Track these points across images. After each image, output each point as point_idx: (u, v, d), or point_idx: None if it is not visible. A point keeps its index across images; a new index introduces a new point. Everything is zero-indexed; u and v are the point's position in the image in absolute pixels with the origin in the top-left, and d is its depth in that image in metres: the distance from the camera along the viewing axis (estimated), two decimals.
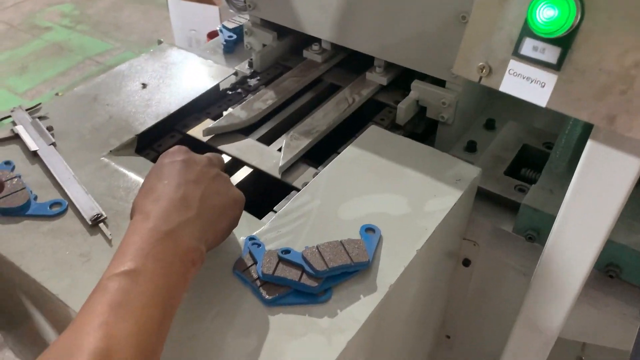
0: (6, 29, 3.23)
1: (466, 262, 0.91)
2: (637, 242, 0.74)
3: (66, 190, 0.75)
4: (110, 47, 3.06)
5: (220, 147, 0.88)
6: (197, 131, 0.92)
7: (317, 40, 1.05)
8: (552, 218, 0.67)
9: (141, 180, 0.78)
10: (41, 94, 2.75)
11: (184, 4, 2.80)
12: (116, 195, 0.76)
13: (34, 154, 0.81)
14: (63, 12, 3.39)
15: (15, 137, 0.84)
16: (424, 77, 0.93)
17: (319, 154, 0.89)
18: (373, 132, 0.87)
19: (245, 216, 0.75)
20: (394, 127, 0.95)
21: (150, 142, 0.90)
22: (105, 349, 0.43)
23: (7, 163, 0.79)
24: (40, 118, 0.87)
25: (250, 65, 1.11)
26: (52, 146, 0.82)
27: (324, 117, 0.93)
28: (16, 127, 0.85)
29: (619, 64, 0.46)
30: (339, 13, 0.95)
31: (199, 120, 0.94)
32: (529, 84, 0.50)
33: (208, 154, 0.66)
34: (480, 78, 0.52)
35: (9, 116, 0.88)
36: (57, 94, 2.73)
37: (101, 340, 0.44)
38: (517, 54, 0.50)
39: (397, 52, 0.93)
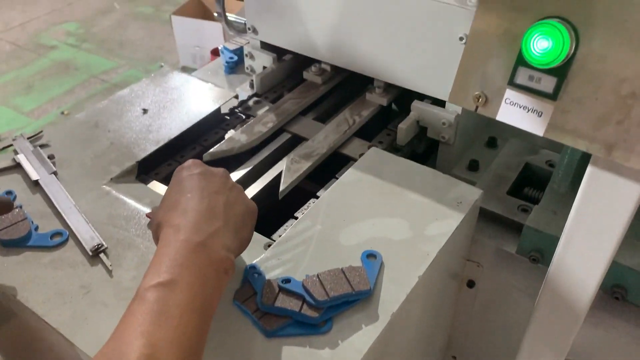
0: (12, 48, 3.27)
1: (470, 284, 0.90)
2: None
3: (67, 220, 0.75)
4: (115, 65, 3.09)
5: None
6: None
7: (317, 62, 1.05)
8: (556, 239, 0.67)
9: (141, 207, 0.78)
10: (47, 112, 2.77)
11: (187, 21, 2.82)
12: (117, 224, 0.76)
13: (36, 183, 0.81)
14: (68, 31, 3.43)
15: (17, 167, 0.84)
16: (423, 97, 0.93)
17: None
18: (373, 154, 0.86)
19: None
20: (394, 147, 0.95)
21: (151, 168, 0.90)
22: (149, 355, 0.45)
23: (9, 193, 0.80)
24: (41, 146, 0.88)
25: (252, 86, 1.11)
26: (53, 175, 0.82)
27: (325, 139, 0.92)
28: (18, 156, 0.85)
29: (615, 93, 0.45)
30: (338, 35, 0.95)
31: (194, 151, 0.95)
32: (525, 113, 0.50)
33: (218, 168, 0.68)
34: (477, 107, 0.52)
35: (11, 145, 0.88)
36: (62, 113, 2.75)
37: (144, 347, 0.46)
38: (512, 84, 0.49)
39: (396, 73, 0.93)
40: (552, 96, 0.48)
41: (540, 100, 0.49)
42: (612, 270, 0.75)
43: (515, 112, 0.50)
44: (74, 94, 2.88)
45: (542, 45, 0.45)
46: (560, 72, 0.47)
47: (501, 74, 0.50)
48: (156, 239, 0.59)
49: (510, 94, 0.50)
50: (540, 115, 0.49)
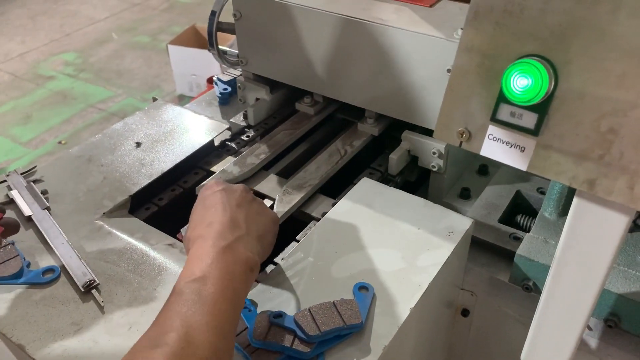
0: (11, 79, 3.30)
1: (465, 313, 0.90)
2: (635, 291, 0.74)
3: (59, 256, 0.75)
4: (112, 94, 3.11)
5: None
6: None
7: (309, 93, 1.06)
8: (547, 268, 0.67)
9: (133, 242, 0.79)
10: (44, 142, 2.78)
11: (183, 50, 2.86)
12: (109, 259, 0.76)
13: (29, 219, 0.81)
14: (66, 61, 3.47)
15: (10, 202, 0.85)
16: (414, 127, 0.94)
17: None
18: (365, 184, 0.87)
19: None
20: (387, 176, 0.96)
21: (144, 202, 0.91)
22: (185, 333, 0.51)
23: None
24: (35, 181, 0.89)
25: (245, 117, 1.12)
26: (46, 210, 0.83)
27: (317, 171, 0.93)
28: (11, 192, 0.86)
29: (595, 129, 0.46)
30: (329, 67, 0.96)
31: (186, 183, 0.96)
32: (508, 149, 0.51)
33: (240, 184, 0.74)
34: (461, 143, 0.53)
35: (4, 180, 0.89)
36: (60, 142, 2.77)
37: (182, 327, 0.52)
38: (495, 120, 0.50)
39: (387, 103, 0.94)
40: (534, 132, 0.48)
41: (522, 135, 0.49)
42: (605, 299, 0.75)
43: (499, 147, 0.51)
44: (71, 123, 2.90)
45: (522, 83, 0.46)
46: (541, 108, 0.48)
47: (483, 110, 0.51)
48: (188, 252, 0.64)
49: (493, 129, 0.51)
50: (523, 151, 0.50)
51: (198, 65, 2.85)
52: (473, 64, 0.50)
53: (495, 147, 0.51)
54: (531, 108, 0.48)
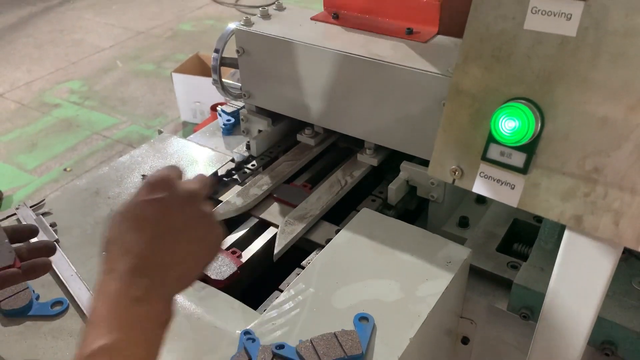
0: (17, 107, 3.35)
1: (465, 340, 0.91)
2: (630, 319, 0.75)
3: (68, 288, 0.78)
4: (116, 121, 3.16)
5: None
6: None
7: (310, 125, 1.09)
8: (544, 296, 0.69)
9: None
10: (50, 169, 2.81)
11: (187, 78, 2.91)
12: None
13: None
14: (72, 89, 3.52)
15: None
16: (412, 158, 0.97)
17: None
18: (365, 214, 0.89)
19: (242, 307, 0.77)
20: (386, 205, 0.98)
21: None
22: None
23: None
24: (44, 214, 0.91)
25: (248, 148, 1.15)
26: (55, 243, 0.85)
27: (318, 201, 0.96)
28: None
29: (580, 168, 0.48)
30: (329, 100, 0.99)
31: None
32: (499, 186, 0.53)
33: (194, 180, 0.60)
34: (454, 180, 0.55)
35: (14, 214, 0.91)
36: (65, 170, 2.80)
37: None
38: (485, 159, 0.53)
39: (385, 135, 0.97)
40: (523, 170, 0.51)
41: (512, 174, 0.52)
42: (601, 327, 0.77)
43: (490, 184, 0.53)
44: (76, 150, 2.93)
45: (509, 125, 0.49)
46: (529, 148, 0.50)
47: (475, 149, 0.53)
48: (103, 247, 0.54)
49: (484, 167, 0.53)
50: (513, 188, 0.52)
51: (201, 92, 2.90)
52: (463, 106, 0.53)
53: (487, 184, 0.53)
54: (519, 148, 0.50)
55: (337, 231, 0.87)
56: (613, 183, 0.47)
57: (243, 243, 0.91)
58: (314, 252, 0.88)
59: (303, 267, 0.83)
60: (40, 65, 3.80)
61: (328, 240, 0.85)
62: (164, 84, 3.45)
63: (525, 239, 0.95)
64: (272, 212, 0.96)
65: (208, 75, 2.84)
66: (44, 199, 0.95)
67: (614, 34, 0.45)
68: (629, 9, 0.45)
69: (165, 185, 0.55)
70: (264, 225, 0.95)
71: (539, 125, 0.49)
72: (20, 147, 2.97)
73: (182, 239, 0.54)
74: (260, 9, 1.08)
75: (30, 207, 0.92)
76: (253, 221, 0.95)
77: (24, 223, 0.72)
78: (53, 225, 0.89)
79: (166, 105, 3.27)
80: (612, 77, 0.46)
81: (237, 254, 0.87)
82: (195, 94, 2.94)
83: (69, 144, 2.98)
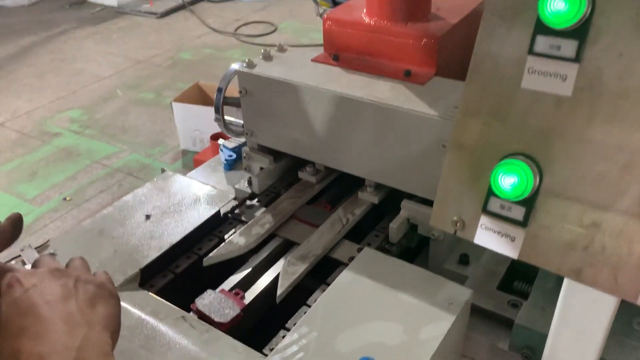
0: (18, 136, 3.37)
1: None
2: None
3: None
4: (117, 150, 3.18)
5: None
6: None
7: (311, 163, 1.11)
8: (545, 337, 0.69)
9: (144, 316, 0.81)
10: (50, 199, 2.82)
11: (187, 107, 2.95)
12: (121, 334, 0.78)
13: None
14: (72, 118, 3.55)
15: None
16: (412, 196, 0.98)
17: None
18: (366, 255, 0.90)
19: (246, 350, 0.77)
20: (388, 243, 0.99)
21: (153, 274, 0.94)
22: None
23: None
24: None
25: (249, 183, 1.17)
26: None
27: (319, 240, 0.97)
28: (26, 267, 0.89)
29: (579, 223, 0.50)
30: (330, 139, 1.01)
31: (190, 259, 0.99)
32: (500, 238, 0.54)
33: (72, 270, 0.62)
34: (455, 231, 0.56)
35: (19, 255, 0.92)
36: (64, 199, 2.81)
37: None
38: (486, 211, 0.54)
39: (385, 174, 0.98)
40: (523, 223, 0.52)
41: (512, 226, 0.53)
42: None
43: (491, 236, 0.54)
44: (75, 180, 2.95)
45: (509, 181, 0.50)
46: (528, 202, 0.51)
47: (475, 201, 0.55)
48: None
49: (484, 220, 0.54)
50: (514, 240, 0.53)
51: (201, 121, 2.92)
52: (463, 160, 0.55)
53: (488, 236, 0.55)
54: (519, 202, 0.52)
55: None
56: (611, 237, 0.48)
57: (246, 283, 0.91)
58: (318, 290, 0.88)
59: (309, 306, 0.83)
60: (41, 94, 3.84)
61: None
62: (164, 112, 3.49)
63: (526, 277, 0.96)
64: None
65: (208, 104, 2.89)
66: (48, 240, 0.95)
67: (608, 95, 0.47)
68: (622, 72, 0.47)
69: (28, 275, 0.57)
70: (267, 264, 0.96)
71: (538, 180, 0.51)
72: (20, 177, 2.99)
73: (86, 300, 0.58)
74: (262, 50, 1.10)
75: (35, 248, 0.93)
76: (256, 260, 0.96)
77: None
78: None
79: (166, 134, 3.30)
80: (607, 136, 0.48)
81: (239, 295, 0.88)
82: (195, 122, 2.97)
83: (69, 172, 3.00)
